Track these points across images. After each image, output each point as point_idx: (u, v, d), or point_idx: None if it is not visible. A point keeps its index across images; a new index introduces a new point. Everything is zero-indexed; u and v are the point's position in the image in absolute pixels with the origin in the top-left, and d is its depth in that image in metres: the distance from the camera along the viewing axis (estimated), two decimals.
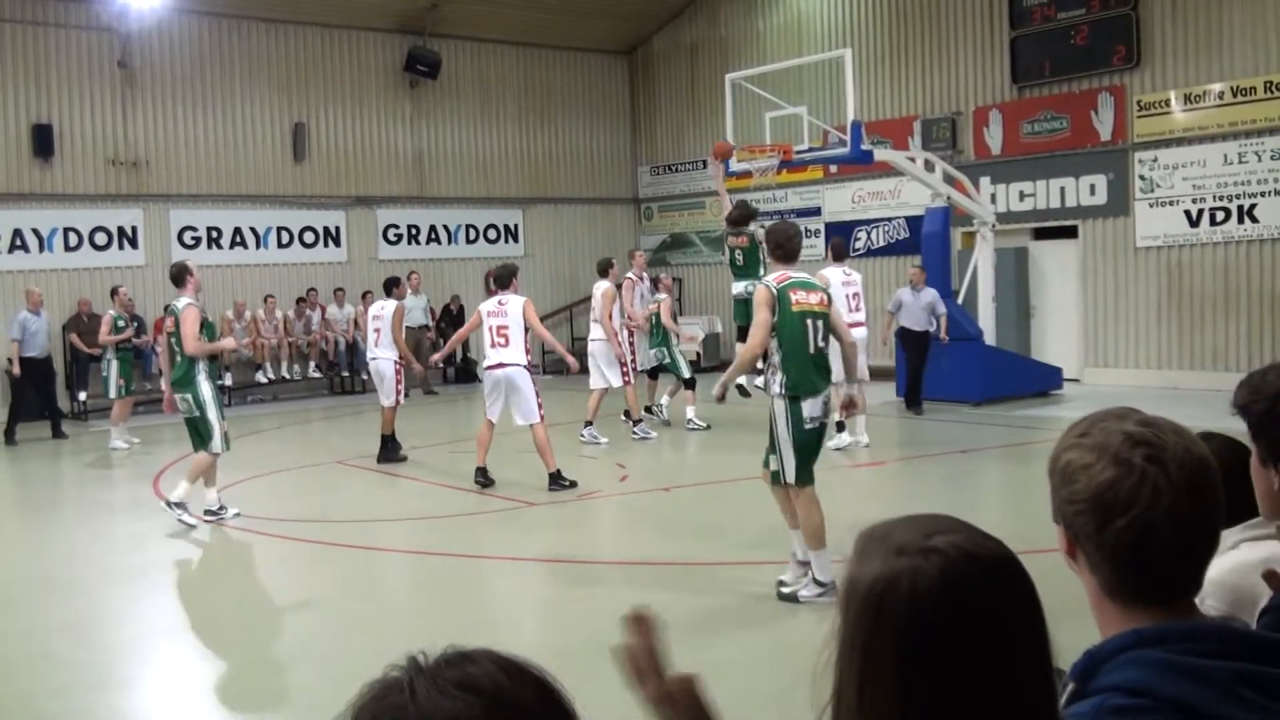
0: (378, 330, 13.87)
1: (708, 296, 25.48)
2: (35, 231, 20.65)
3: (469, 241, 25.15)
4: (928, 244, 17.65)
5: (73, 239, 20.95)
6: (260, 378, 21.45)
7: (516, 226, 25.70)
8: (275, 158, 22.90)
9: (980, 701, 1.41)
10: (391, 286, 14.30)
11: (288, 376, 21.70)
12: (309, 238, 23.23)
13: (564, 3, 23.96)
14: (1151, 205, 18.29)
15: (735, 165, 16.96)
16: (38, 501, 12.88)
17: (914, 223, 20.07)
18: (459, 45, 24.57)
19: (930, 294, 16.00)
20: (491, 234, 25.42)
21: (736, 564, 8.59)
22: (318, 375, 22.16)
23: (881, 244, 22.02)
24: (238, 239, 22.46)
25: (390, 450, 13.82)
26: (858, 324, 13.05)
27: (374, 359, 14.00)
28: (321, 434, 18.27)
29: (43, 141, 20.54)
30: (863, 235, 22.28)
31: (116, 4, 20.64)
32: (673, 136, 26.29)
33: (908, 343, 16.19)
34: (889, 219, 21.88)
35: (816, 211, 23.11)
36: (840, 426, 13.14)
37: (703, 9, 25.16)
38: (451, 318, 23.68)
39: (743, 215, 12.84)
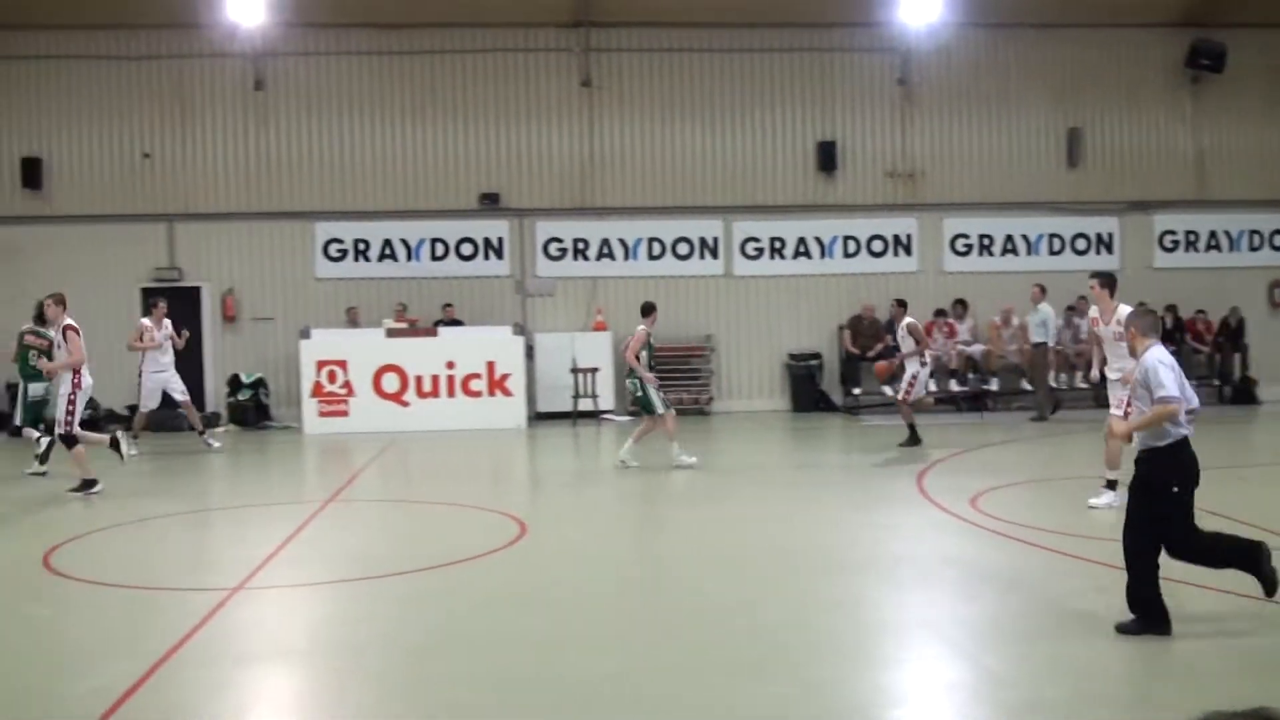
0: None
1: None
2: (818, 239, 22.24)
3: (1251, 249, 23.24)
4: None
5: (851, 246, 22.28)
6: (1025, 385, 21.28)
7: None
8: (1049, 164, 22.72)
9: None
10: None
11: (1054, 386, 21.33)
12: (1080, 244, 22.76)
13: None
14: None
15: None
16: (817, 484, 13.71)
17: None
18: (1246, 34, 22.75)
19: None
20: (1278, 240, 23.30)
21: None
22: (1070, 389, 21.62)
23: None
24: (1008, 246, 22.57)
25: None
26: None
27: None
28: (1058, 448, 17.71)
29: (826, 157, 22.14)
30: None
31: (896, 25, 21.62)
32: None
33: None
34: None
35: None
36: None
37: None
38: (1229, 331, 22.21)
39: None
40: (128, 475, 15.34)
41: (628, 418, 21.28)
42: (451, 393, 19.99)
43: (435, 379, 19.96)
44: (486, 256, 22.17)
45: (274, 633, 7.68)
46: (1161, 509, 6.82)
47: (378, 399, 19.89)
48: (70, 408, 13.18)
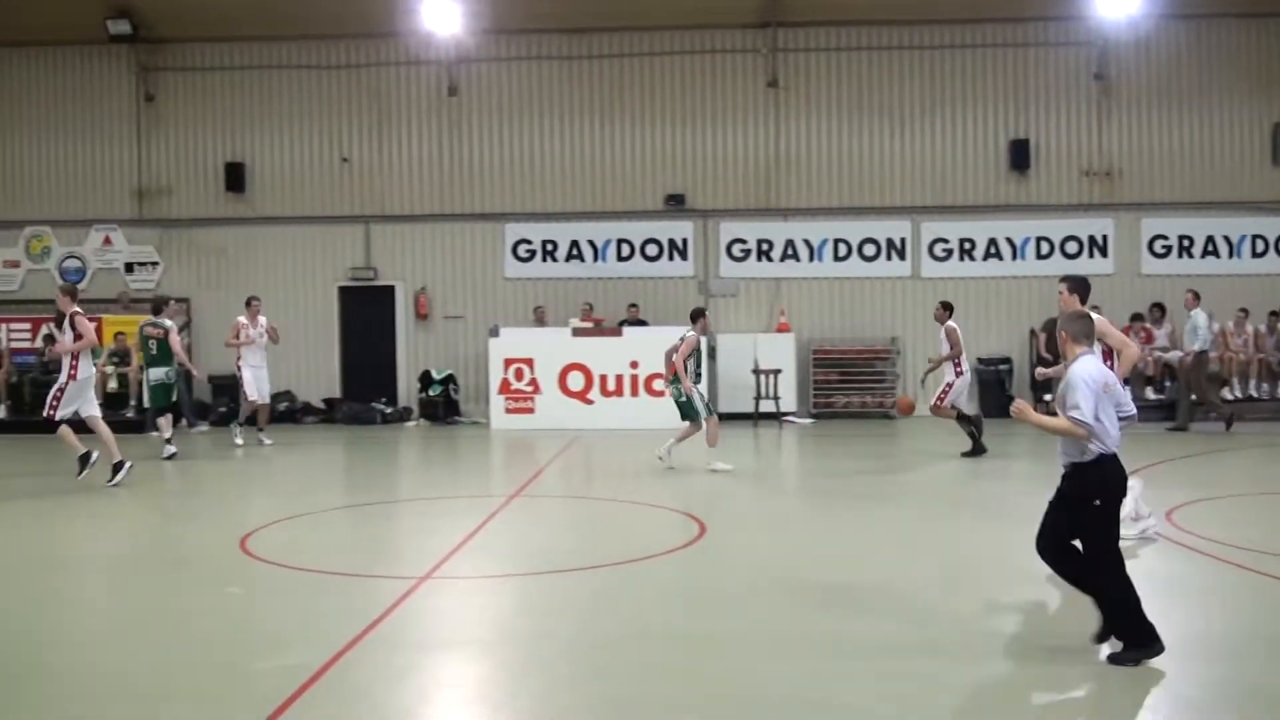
0: None
1: None
2: (1009, 240, 21.75)
3: None
4: None
5: (1044, 247, 21.72)
6: (1225, 394, 20.43)
7: None
8: (1252, 161, 21.76)
9: None
10: None
11: (1255, 395, 20.47)
12: None
13: None
14: None
15: None
16: (1003, 490, 13.40)
17: None
18: None
19: None
20: None
21: None
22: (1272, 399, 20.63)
23: None
24: (1209, 247, 21.69)
25: None
26: None
27: None
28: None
29: (1018, 155, 21.60)
30: None
31: (1093, 18, 21.00)
32: None
33: None
34: None
35: None
36: None
37: None
38: None
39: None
40: (320, 465, 15.91)
41: (810, 420, 21.16)
42: (635, 392, 20.18)
43: (619, 378, 20.18)
44: (671, 257, 22.30)
45: (458, 622, 7.87)
46: (1081, 519, 6.54)
47: (563, 397, 20.21)
48: (58, 395, 13.56)
